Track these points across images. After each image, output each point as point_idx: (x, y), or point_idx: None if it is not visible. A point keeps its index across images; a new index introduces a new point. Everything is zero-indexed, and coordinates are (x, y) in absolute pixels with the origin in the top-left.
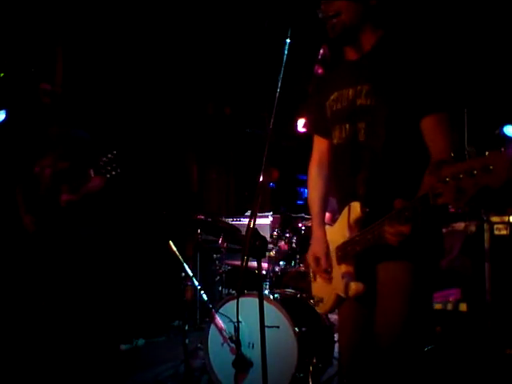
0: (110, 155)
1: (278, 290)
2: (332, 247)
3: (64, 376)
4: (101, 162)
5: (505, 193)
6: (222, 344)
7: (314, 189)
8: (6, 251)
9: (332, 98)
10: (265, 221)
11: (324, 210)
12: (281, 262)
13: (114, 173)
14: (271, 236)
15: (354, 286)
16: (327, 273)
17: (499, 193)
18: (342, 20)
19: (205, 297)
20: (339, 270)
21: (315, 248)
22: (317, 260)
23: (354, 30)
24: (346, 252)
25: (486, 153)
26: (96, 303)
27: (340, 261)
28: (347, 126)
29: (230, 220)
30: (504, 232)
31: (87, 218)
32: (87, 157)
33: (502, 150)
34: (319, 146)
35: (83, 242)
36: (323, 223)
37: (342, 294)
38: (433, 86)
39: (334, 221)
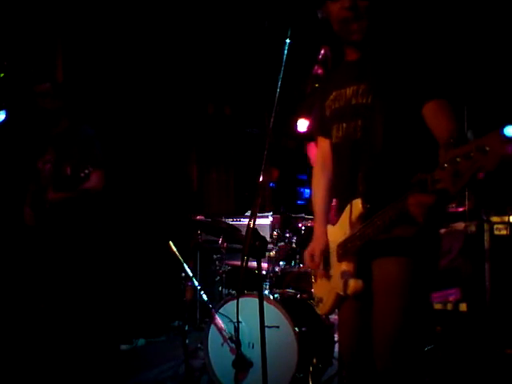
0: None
1: (278, 290)
2: (333, 246)
3: (64, 376)
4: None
5: (502, 177)
6: (222, 344)
7: (317, 188)
8: (5, 246)
9: (331, 97)
10: (265, 221)
11: (327, 209)
12: (281, 262)
13: None
14: (271, 236)
15: (353, 284)
16: (325, 270)
17: (496, 176)
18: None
19: (205, 297)
20: (339, 268)
21: (312, 245)
22: (312, 257)
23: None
24: (346, 249)
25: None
26: (94, 302)
27: (341, 258)
28: (344, 124)
29: (229, 220)
30: (504, 232)
31: (85, 216)
32: (90, 155)
33: (499, 130)
34: (322, 146)
35: (80, 240)
36: (325, 222)
37: (341, 292)
38: (431, 74)
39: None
